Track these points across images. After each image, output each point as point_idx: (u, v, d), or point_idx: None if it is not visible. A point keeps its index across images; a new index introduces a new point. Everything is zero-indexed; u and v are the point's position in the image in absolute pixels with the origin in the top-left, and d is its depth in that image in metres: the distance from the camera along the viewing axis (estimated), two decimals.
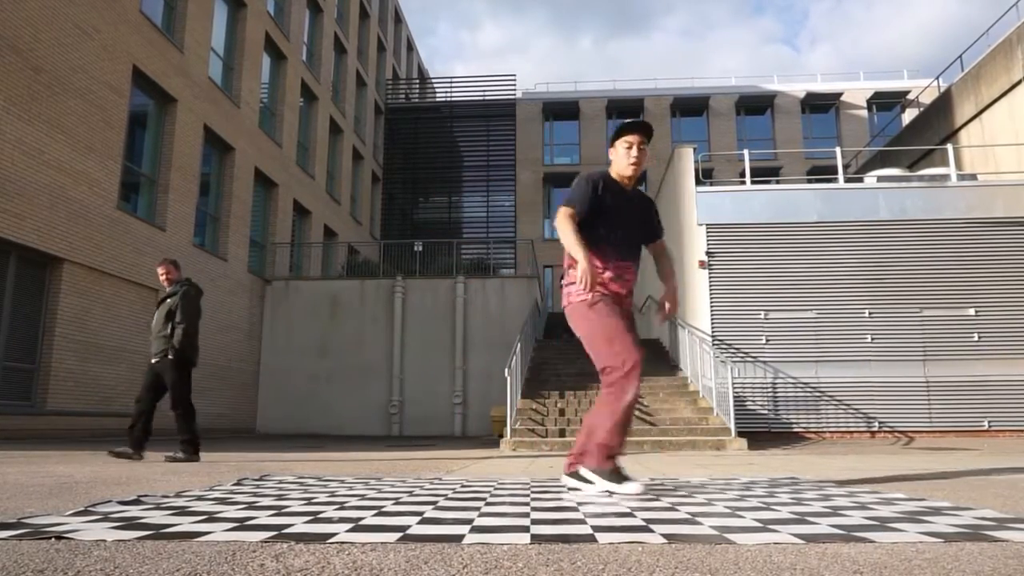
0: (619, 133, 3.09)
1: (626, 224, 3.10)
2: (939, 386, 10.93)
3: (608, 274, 3.02)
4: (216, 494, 2.76)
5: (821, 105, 29.39)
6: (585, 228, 3.00)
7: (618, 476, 2.85)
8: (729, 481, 3.55)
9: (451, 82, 28.90)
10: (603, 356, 2.92)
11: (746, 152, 12.68)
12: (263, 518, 2.05)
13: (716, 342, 11.05)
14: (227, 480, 3.49)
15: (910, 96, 28.11)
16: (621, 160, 3.08)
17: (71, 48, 10.69)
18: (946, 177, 11.95)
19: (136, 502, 2.45)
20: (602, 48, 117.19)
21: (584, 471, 2.95)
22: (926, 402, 10.92)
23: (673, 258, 3.38)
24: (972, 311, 11.07)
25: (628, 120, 3.13)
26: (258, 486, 3.13)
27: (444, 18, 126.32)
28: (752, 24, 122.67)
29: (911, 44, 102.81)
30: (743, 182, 12.57)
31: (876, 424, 10.92)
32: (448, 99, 28.56)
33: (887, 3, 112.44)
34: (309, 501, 2.52)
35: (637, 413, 9.99)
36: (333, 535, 1.74)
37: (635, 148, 3.04)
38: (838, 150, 12.52)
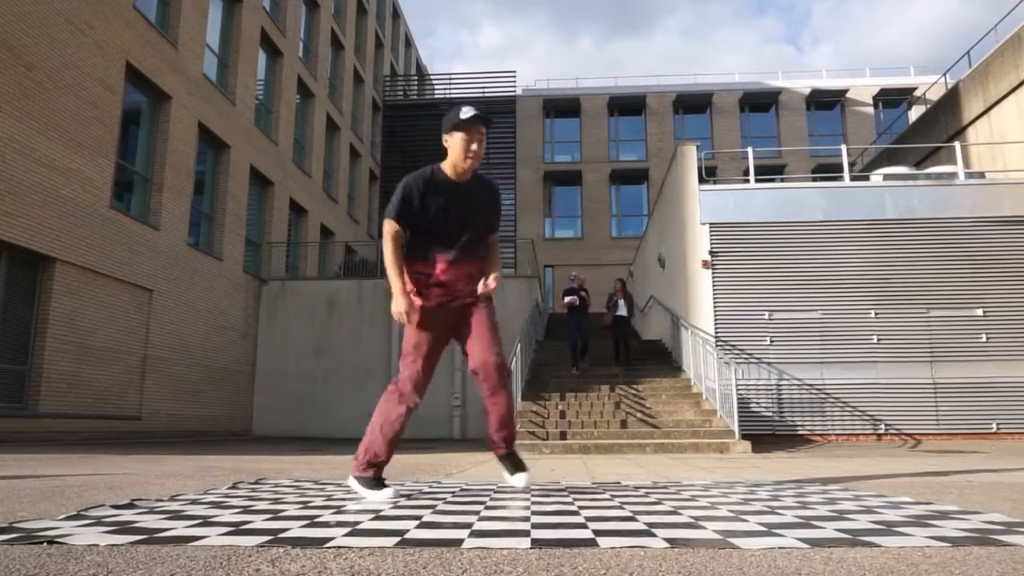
0: (461, 125, 2.91)
1: (461, 219, 2.97)
2: (946, 388, 10.79)
3: (440, 278, 2.96)
4: (211, 498, 2.74)
5: (826, 102, 29.26)
6: (414, 235, 2.97)
7: (378, 483, 2.84)
8: (733, 484, 3.51)
9: (450, 79, 28.74)
10: (403, 360, 3.01)
11: (750, 150, 12.56)
12: (259, 522, 2.03)
13: (719, 343, 10.90)
14: (222, 484, 3.45)
15: (917, 93, 27.99)
16: (458, 152, 2.93)
17: (63, 44, 10.52)
18: (953, 175, 11.82)
19: (130, 506, 2.42)
20: (602, 49, 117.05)
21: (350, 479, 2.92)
22: (933, 404, 10.77)
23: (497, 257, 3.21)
24: (980, 311, 10.93)
25: (470, 113, 2.92)
26: (254, 490, 3.10)
27: (444, 19, 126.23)
28: (754, 24, 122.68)
29: (913, 44, 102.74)
30: (747, 180, 12.42)
31: (882, 427, 10.78)
32: (447, 96, 28.38)
33: (889, 3, 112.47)
34: (306, 505, 2.49)
35: (639, 415, 9.84)
36: (330, 539, 1.73)
37: (475, 143, 2.93)
38: (843, 148, 12.37)
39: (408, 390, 2.94)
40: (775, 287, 11.28)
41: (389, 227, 2.92)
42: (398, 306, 2.86)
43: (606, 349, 12.66)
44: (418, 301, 2.93)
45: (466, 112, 2.92)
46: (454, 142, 2.93)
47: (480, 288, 2.99)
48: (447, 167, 2.97)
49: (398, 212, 2.89)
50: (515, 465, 3.15)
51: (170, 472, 4.41)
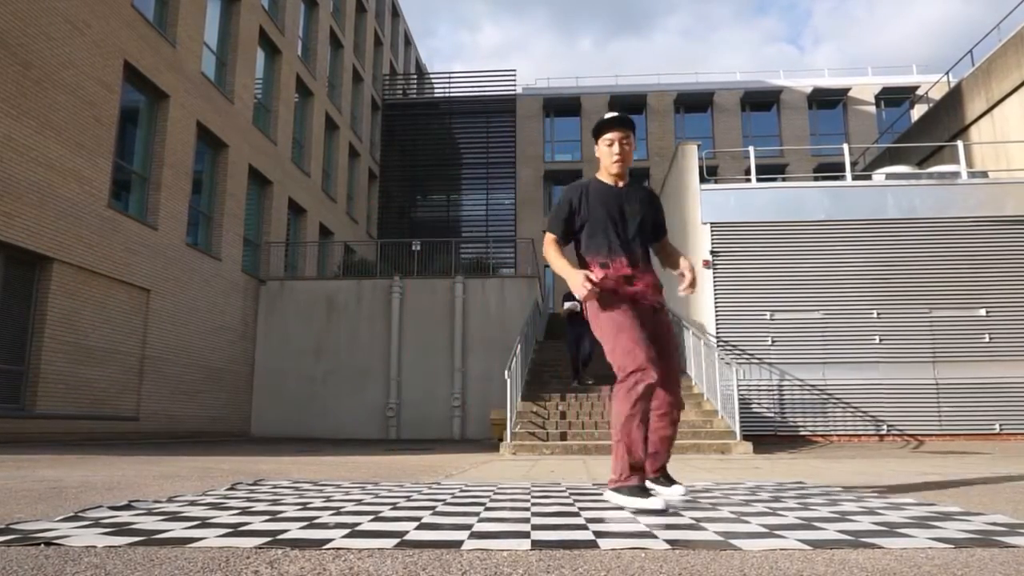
0: (599, 130, 2.98)
1: (624, 223, 2.92)
2: (949, 388, 10.74)
3: (620, 274, 2.85)
4: (209, 499, 2.74)
5: (828, 101, 29.19)
6: (582, 240, 2.95)
7: (642, 491, 2.54)
8: (734, 486, 3.51)
9: (450, 78, 28.69)
10: (613, 354, 2.71)
11: (751, 149, 12.51)
12: (257, 523, 2.04)
13: (720, 343, 10.85)
14: (221, 485, 3.45)
15: (919, 92, 27.93)
16: (605, 159, 2.98)
17: (61, 43, 10.47)
18: (956, 175, 11.78)
19: (127, 507, 2.43)
20: (603, 49, 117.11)
21: (606, 493, 2.69)
22: (936, 405, 10.72)
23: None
24: (983, 312, 10.88)
25: (607, 116, 2.96)
26: (252, 491, 3.10)
27: (444, 19, 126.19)
28: (755, 24, 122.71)
29: (915, 43, 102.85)
30: (748, 179, 12.37)
31: (884, 427, 10.73)
32: (447, 95, 28.33)
33: (890, 2, 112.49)
34: (304, 506, 2.50)
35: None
36: (329, 541, 1.74)
37: (616, 144, 2.93)
38: (845, 147, 12.31)
39: (638, 364, 2.61)
40: (776, 287, 11.23)
41: (549, 238, 2.99)
42: (578, 276, 2.70)
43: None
44: (612, 285, 2.83)
45: (607, 116, 2.97)
46: (600, 150, 3.01)
47: (687, 287, 2.95)
48: (602, 174, 3.04)
49: (557, 224, 2.97)
50: (668, 480, 3.00)
51: (168, 473, 4.38)
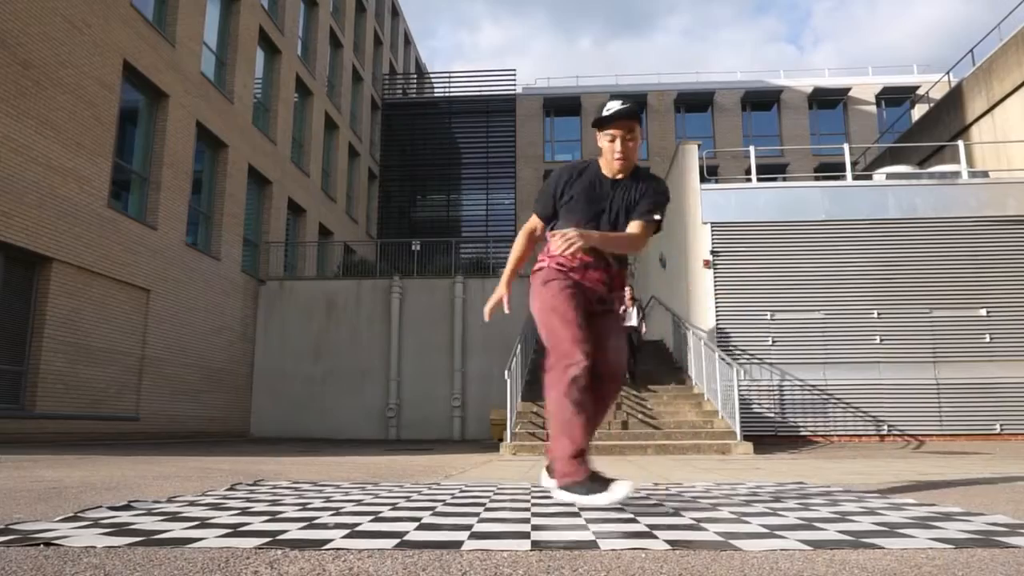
0: (599, 124, 2.66)
1: (600, 211, 2.68)
2: (950, 389, 10.73)
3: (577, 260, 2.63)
4: (209, 499, 2.72)
5: (828, 101, 29.16)
6: (561, 221, 2.70)
7: (599, 482, 2.32)
8: (735, 486, 3.49)
9: (449, 77, 28.68)
10: (546, 335, 2.53)
11: (752, 149, 12.50)
12: (257, 524, 2.02)
13: (721, 343, 10.84)
14: (220, 485, 3.43)
15: (920, 91, 27.90)
16: (605, 154, 2.69)
17: (60, 42, 10.46)
18: (957, 174, 11.78)
19: (127, 507, 2.41)
20: (603, 48, 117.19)
21: (557, 492, 2.50)
22: (936, 405, 10.72)
23: (634, 243, 2.74)
24: (983, 312, 10.87)
25: (608, 107, 2.64)
26: (252, 491, 3.09)
27: (444, 19, 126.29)
28: (755, 24, 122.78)
29: (914, 43, 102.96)
30: (749, 179, 12.37)
31: (885, 428, 10.72)
32: (447, 95, 28.32)
33: (890, 2, 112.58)
34: (304, 507, 2.49)
35: (640, 416, 9.76)
36: (328, 541, 1.73)
37: (619, 141, 2.66)
38: (846, 147, 12.31)
39: (563, 348, 2.43)
40: (777, 287, 11.22)
41: (528, 224, 2.89)
42: (493, 299, 2.81)
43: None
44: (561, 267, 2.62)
45: (609, 108, 2.61)
46: (601, 145, 2.70)
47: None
48: (603, 167, 2.75)
49: (541, 204, 2.79)
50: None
51: (168, 473, 4.36)
